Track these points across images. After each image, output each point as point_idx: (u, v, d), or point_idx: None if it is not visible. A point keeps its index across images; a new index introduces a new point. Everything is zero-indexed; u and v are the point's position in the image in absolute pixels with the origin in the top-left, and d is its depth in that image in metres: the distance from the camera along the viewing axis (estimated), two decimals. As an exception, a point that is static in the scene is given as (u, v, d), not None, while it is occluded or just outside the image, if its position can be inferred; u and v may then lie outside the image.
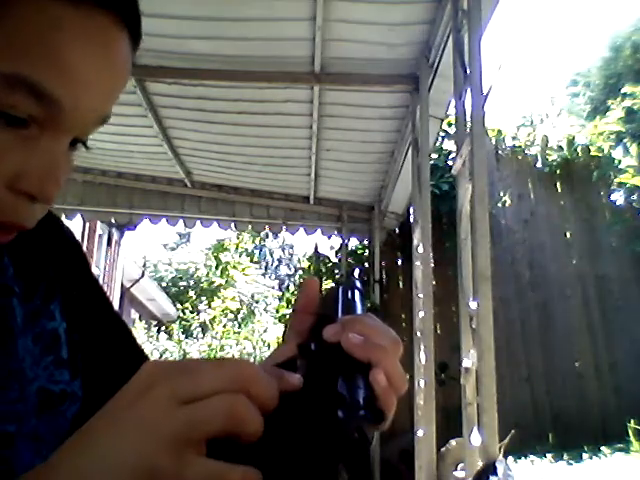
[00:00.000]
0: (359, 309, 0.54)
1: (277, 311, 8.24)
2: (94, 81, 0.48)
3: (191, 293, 18.43)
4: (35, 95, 0.45)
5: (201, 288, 18.31)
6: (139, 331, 12.49)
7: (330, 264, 7.24)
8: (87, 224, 10.94)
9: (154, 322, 16.01)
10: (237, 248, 10.48)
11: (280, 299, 9.85)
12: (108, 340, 0.67)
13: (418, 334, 3.61)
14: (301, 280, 7.74)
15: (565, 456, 5.97)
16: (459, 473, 2.97)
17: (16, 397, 0.53)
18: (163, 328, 14.32)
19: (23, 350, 0.56)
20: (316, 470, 0.37)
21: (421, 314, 3.54)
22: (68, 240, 0.69)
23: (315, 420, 0.38)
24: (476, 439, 2.38)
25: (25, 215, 0.50)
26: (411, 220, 5.01)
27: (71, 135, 0.50)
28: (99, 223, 11.10)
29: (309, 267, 7.58)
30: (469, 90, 2.68)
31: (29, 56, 0.44)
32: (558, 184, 7.73)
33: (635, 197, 7.74)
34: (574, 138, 8.07)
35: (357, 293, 0.55)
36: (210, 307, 16.68)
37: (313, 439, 0.37)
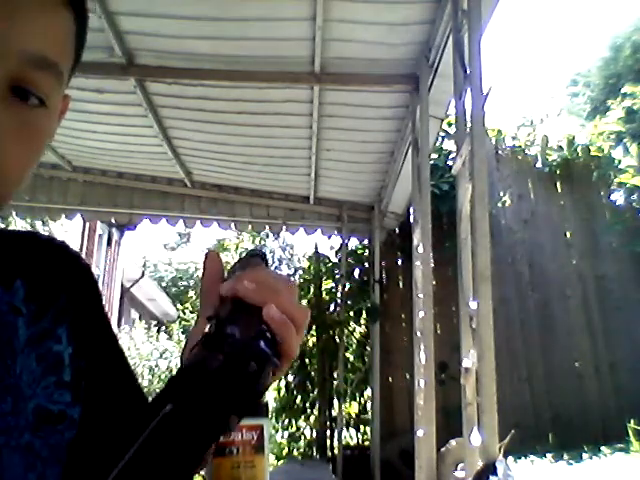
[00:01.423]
0: None
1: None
2: (14, 11, 0.49)
3: (191, 293, 18.43)
4: None
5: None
6: (139, 331, 12.48)
7: (330, 264, 7.23)
8: (87, 224, 10.93)
9: (154, 322, 16.00)
10: (237, 248, 10.46)
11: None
12: (109, 373, 0.67)
13: (418, 334, 3.60)
14: (301, 280, 7.74)
15: (565, 456, 5.96)
16: (459, 473, 2.96)
17: (8, 410, 0.55)
18: (163, 328, 14.32)
19: (22, 367, 0.57)
20: (226, 403, 0.41)
21: (421, 314, 3.54)
22: (84, 271, 0.71)
23: (210, 363, 0.42)
24: (476, 439, 2.38)
25: None
26: (411, 220, 5.00)
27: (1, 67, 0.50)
28: (99, 223, 11.10)
29: (309, 267, 7.56)
30: (469, 90, 2.68)
31: None
32: (558, 184, 7.72)
33: (635, 197, 7.73)
34: (574, 138, 8.06)
35: (259, 259, 0.57)
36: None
37: (214, 379, 0.41)
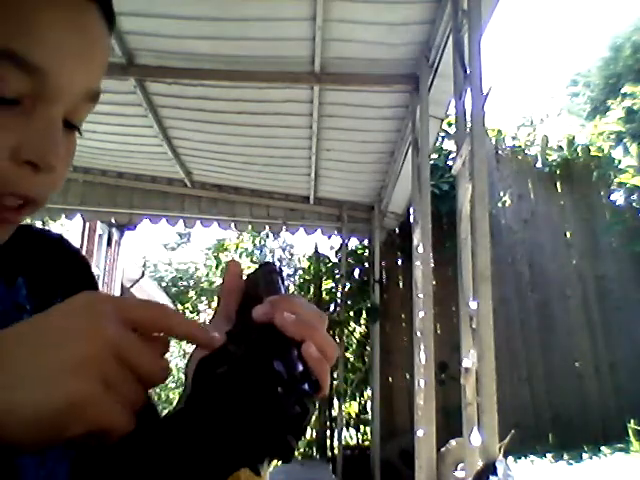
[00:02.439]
0: (282, 290, 0.56)
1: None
2: (70, 46, 0.51)
3: (191, 293, 18.42)
4: (19, 66, 0.48)
5: (201, 288, 18.30)
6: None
7: (330, 264, 7.23)
8: (87, 224, 10.93)
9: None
10: (237, 248, 10.47)
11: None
12: None
13: (418, 334, 3.61)
14: (301, 280, 7.74)
15: (565, 456, 5.96)
16: (459, 473, 2.96)
17: None
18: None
19: None
20: (267, 445, 0.41)
21: (421, 314, 3.54)
22: (81, 266, 0.71)
23: (258, 400, 0.41)
24: (476, 439, 2.38)
25: (31, 185, 0.52)
26: (411, 220, 5.00)
27: (62, 106, 0.52)
28: (99, 223, 11.10)
29: (309, 267, 7.57)
30: (469, 90, 2.68)
31: (8, 30, 0.47)
32: (558, 184, 7.72)
33: (635, 197, 7.73)
34: (574, 138, 8.06)
35: (277, 276, 0.57)
36: (210, 307, 16.69)
37: (259, 418, 0.41)
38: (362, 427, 6.76)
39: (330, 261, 7.25)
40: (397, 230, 6.76)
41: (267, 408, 0.41)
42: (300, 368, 0.45)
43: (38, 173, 0.51)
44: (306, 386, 0.44)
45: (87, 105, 0.56)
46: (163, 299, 16.71)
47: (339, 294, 6.72)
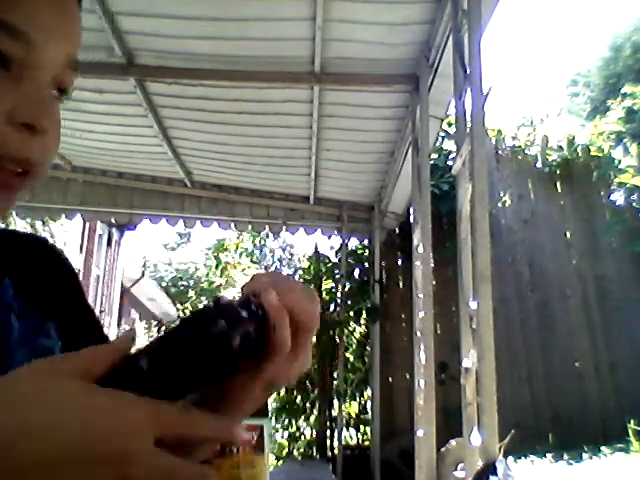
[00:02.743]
0: None
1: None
2: (53, 20, 0.55)
3: (191, 293, 18.42)
4: (9, 33, 0.51)
5: (201, 288, 18.30)
6: (139, 331, 12.48)
7: (330, 264, 7.23)
8: (87, 224, 10.94)
9: (154, 322, 16.01)
10: (237, 248, 10.48)
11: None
12: None
13: (418, 334, 3.61)
14: (301, 280, 7.73)
15: (565, 456, 5.96)
16: (459, 473, 2.97)
17: None
18: (163, 328, 14.30)
19: (18, 364, 0.57)
20: (199, 369, 0.41)
21: (421, 314, 3.54)
22: (66, 270, 0.73)
23: (191, 332, 0.41)
24: (476, 439, 2.38)
25: (28, 147, 0.53)
26: (411, 220, 5.00)
27: (49, 73, 0.55)
28: (99, 223, 11.10)
29: (309, 267, 7.57)
30: (469, 90, 2.68)
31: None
32: (558, 184, 7.72)
33: (635, 197, 7.73)
34: (574, 138, 8.06)
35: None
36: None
37: (189, 346, 0.41)
38: (362, 427, 6.76)
39: (330, 261, 7.25)
40: (397, 230, 6.76)
41: (196, 336, 0.41)
42: (250, 309, 0.45)
43: (34, 135, 0.53)
44: (244, 314, 0.44)
45: (69, 73, 0.58)
46: (163, 299, 16.72)
47: (339, 294, 6.72)
